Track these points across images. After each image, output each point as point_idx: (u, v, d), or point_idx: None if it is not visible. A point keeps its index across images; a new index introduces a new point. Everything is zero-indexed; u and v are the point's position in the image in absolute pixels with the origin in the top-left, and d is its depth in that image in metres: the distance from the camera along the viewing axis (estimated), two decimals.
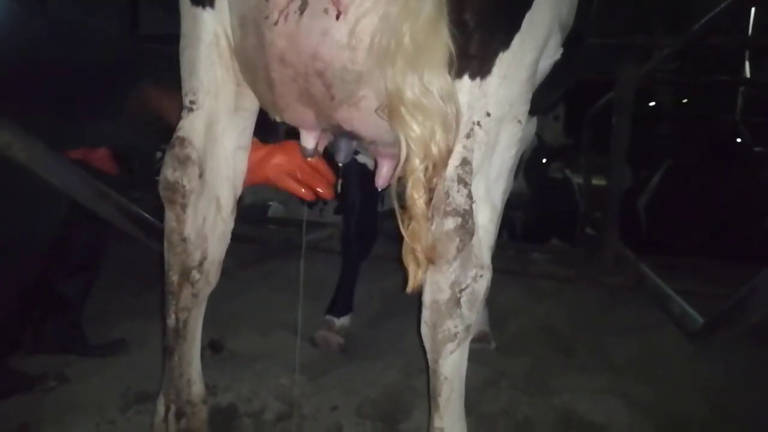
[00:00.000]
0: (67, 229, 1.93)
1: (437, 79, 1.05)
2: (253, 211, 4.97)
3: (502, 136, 1.20)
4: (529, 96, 1.24)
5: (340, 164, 1.48)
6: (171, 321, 1.35)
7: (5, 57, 1.60)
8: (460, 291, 1.18)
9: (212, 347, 2.16)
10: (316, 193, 1.53)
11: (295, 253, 3.23)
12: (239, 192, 1.41)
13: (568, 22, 1.34)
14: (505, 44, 1.12)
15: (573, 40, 1.39)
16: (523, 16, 1.13)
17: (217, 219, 1.36)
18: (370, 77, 1.10)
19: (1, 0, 1.60)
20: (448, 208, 1.13)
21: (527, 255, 3.88)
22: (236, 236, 1.43)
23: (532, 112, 1.33)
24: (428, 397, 1.29)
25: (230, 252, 1.42)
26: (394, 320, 2.51)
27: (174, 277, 1.32)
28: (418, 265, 1.18)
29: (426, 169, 1.10)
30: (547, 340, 2.43)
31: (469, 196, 1.15)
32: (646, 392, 1.93)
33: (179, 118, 1.30)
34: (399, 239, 1.20)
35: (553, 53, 1.33)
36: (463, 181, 1.14)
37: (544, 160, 4.33)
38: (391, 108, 1.08)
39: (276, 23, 1.10)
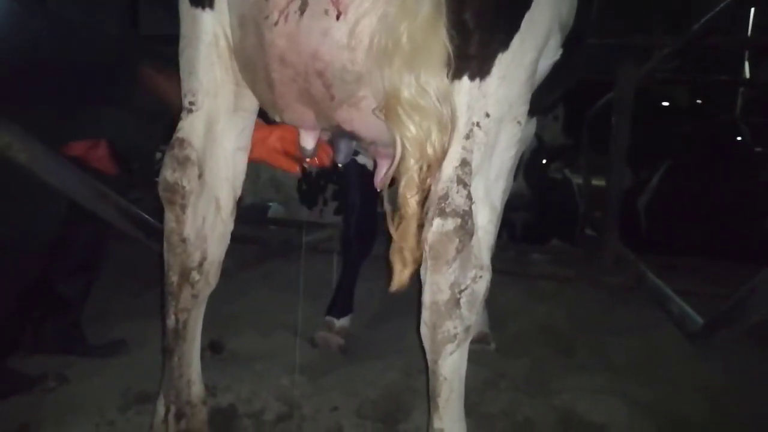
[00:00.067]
0: (67, 229, 1.93)
1: (434, 79, 1.05)
2: (253, 211, 4.97)
3: (501, 137, 1.20)
4: (529, 96, 1.24)
5: (340, 165, 1.49)
6: (171, 322, 1.35)
7: (5, 57, 1.60)
8: (460, 292, 1.18)
9: (212, 348, 2.16)
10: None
11: (295, 254, 3.25)
12: (239, 192, 1.41)
13: (567, 22, 1.33)
14: (505, 45, 1.12)
15: (573, 41, 1.38)
16: (523, 17, 1.13)
17: (217, 220, 1.36)
18: (369, 77, 1.10)
19: (1, 0, 1.60)
20: (447, 209, 1.13)
21: (527, 255, 3.88)
22: (236, 237, 1.43)
23: (532, 112, 1.33)
24: (428, 398, 1.29)
25: (230, 253, 1.43)
26: (394, 320, 2.51)
27: (174, 278, 1.32)
28: (404, 264, 1.18)
29: (420, 169, 1.10)
30: (547, 340, 2.43)
31: (469, 196, 1.14)
32: (646, 392, 1.93)
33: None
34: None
35: (552, 53, 1.33)
36: (463, 182, 1.14)
37: (544, 161, 4.33)
38: (388, 108, 1.08)
39: (276, 23, 1.10)
